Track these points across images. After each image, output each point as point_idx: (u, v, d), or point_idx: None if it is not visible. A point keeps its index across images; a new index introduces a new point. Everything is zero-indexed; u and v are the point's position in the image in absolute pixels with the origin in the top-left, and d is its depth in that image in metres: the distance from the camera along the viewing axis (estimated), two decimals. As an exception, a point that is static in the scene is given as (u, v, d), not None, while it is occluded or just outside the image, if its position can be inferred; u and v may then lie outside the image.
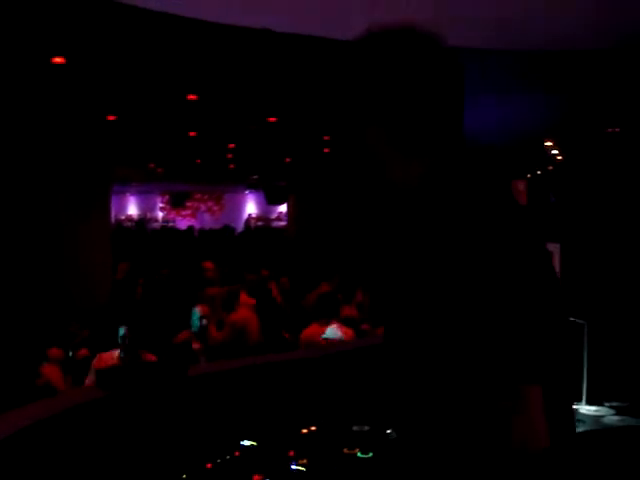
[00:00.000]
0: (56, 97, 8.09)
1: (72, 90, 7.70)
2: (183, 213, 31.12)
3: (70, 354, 6.69)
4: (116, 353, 4.99)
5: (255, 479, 2.83)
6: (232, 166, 17.19)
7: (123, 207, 30.88)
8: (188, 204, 31.17)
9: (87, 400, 2.96)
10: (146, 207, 31.42)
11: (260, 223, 30.05)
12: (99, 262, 10.66)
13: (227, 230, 26.23)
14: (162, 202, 31.43)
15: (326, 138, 11.58)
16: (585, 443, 3.22)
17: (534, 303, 1.30)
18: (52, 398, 3.25)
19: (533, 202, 12.63)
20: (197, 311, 6.53)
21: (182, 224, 29.08)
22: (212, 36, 5.44)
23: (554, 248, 3.96)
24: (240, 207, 31.01)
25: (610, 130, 10.70)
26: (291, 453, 3.07)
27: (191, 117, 9.70)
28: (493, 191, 1.40)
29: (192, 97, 8.01)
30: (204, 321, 6.43)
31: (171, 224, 29.95)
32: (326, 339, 5.52)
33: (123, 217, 30.66)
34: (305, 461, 2.98)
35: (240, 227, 28.72)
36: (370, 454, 3.06)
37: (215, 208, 31.06)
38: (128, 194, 30.24)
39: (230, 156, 15.07)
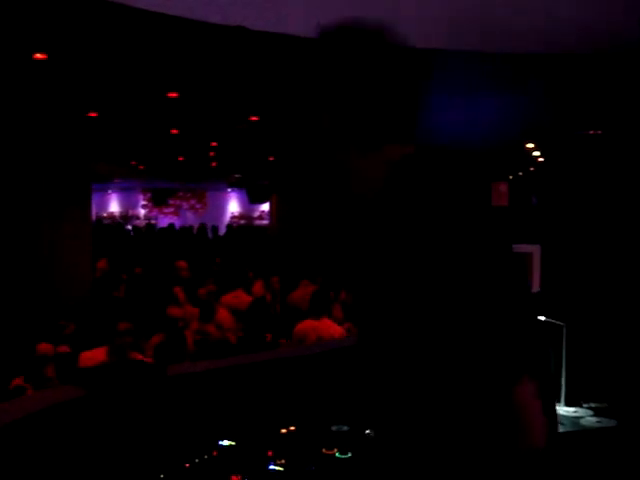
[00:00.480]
0: (38, 93, 8.04)
1: (54, 86, 7.66)
2: (165, 211, 30.96)
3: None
4: (100, 351, 4.91)
5: (233, 479, 2.82)
6: (214, 164, 17.13)
7: (105, 204, 30.69)
8: (171, 202, 31.00)
9: (66, 399, 2.94)
10: (128, 204, 31.23)
11: (242, 221, 29.96)
12: (79, 259, 10.61)
13: (203, 229, 25.68)
14: (144, 199, 31.26)
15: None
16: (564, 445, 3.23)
17: (493, 303, 1.30)
18: (29, 396, 3.22)
19: (515, 204, 12.69)
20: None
21: (164, 222, 28.91)
22: (193, 33, 5.43)
23: (534, 250, 3.98)
24: (222, 205, 30.89)
25: (592, 132, 10.76)
26: (270, 453, 3.06)
27: (173, 115, 9.65)
28: (457, 193, 1.40)
29: (173, 95, 7.98)
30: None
31: (153, 221, 29.77)
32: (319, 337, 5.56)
33: (105, 214, 30.47)
34: (283, 461, 2.98)
35: (222, 226, 28.56)
36: (349, 454, 3.06)
37: (198, 206, 30.93)
38: (110, 191, 30.06)
39: (212, 154, 15.02)
